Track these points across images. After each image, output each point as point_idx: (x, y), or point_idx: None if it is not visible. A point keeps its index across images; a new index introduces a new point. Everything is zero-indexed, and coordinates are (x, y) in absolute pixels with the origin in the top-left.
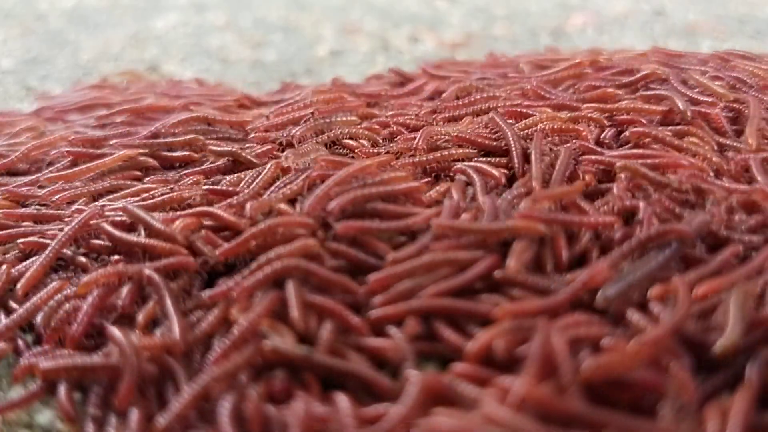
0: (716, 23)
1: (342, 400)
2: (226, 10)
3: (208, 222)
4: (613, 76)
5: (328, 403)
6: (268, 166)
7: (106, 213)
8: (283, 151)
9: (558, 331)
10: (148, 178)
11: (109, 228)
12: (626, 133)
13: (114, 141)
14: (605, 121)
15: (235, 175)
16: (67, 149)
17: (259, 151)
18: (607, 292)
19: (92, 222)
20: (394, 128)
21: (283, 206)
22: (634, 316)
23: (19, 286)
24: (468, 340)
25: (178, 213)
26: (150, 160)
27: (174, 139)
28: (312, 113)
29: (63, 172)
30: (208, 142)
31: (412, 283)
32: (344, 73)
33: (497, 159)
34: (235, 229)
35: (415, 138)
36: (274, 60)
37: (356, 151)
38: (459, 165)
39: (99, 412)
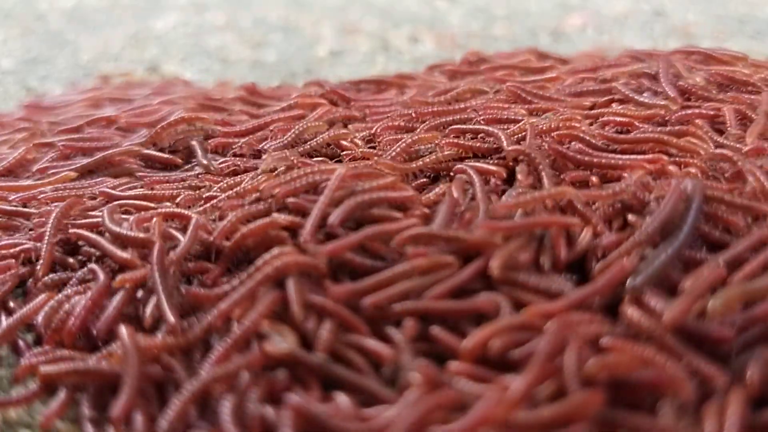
0: (716, 23)
1: (343, 400)
2: (226, 10)
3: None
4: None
5: (329, 403)
6: (260, 176)
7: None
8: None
9: (565, 329)
10: (117, 181)
11: (90, 234)
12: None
13: (60, 143)
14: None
15: (238, 177)
16: (38, 167)
17: (219, 166)
18: (636, 282)
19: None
20: (382, 133)
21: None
22: (631, 312)
23: (38, 267)
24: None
25: (148, 213)
26: (131, 160)
27: (112, 151)
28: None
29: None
30: (194, 144)
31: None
32: (344, 74)
33: (495, 159)
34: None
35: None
36: (274, 60)
37: (343, 154)
38: (459, 165)
39: (95, 413)
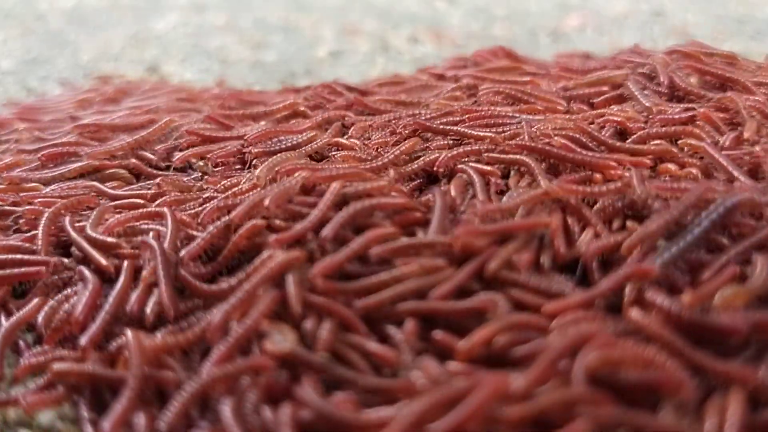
0: (715, 24)
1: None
2: (226, 11)
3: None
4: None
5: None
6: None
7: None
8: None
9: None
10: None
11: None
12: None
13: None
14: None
15: (234, 179)
16: (19, 172)
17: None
18: (654, 266)
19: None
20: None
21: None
22: (633, 312)
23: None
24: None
25: (133, 213)
26: (121, 171)
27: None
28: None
29: None
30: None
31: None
32: (344, 74)
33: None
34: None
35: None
36: (274, 60)
37: (334, 156)
38: (459, 165)
39: (94, 414)
